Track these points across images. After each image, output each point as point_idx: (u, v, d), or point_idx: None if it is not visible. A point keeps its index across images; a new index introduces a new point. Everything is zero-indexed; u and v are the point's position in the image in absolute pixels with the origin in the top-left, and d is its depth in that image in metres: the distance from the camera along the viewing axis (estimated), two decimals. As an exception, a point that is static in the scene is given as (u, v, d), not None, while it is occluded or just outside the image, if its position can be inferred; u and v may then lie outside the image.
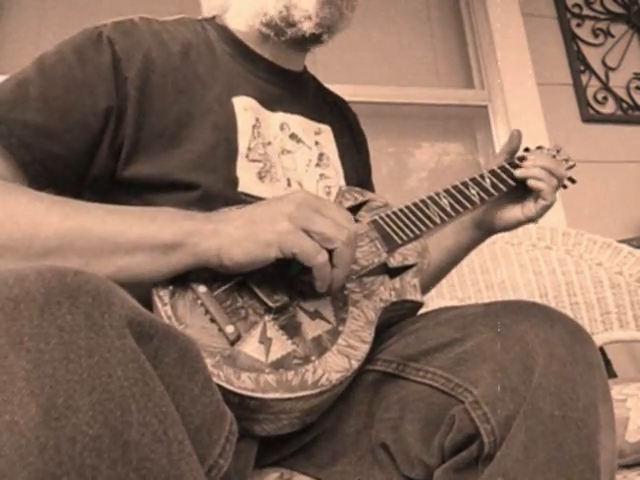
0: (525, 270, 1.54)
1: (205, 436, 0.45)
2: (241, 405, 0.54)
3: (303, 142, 0.84)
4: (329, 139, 0.89)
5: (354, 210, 0.77)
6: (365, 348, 0.62)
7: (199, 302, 0.60)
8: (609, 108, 2.19)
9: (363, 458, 0.63)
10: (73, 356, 0.36)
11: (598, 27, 2.28)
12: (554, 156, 0.93)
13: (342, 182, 0.85)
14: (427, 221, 0.77)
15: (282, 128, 0.82)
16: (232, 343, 0.57)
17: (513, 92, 2.10)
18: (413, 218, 0.77)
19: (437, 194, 0.81)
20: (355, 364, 0.60)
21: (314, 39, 0.81)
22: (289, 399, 0.55)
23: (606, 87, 2.20)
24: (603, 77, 2.22)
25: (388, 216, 0.76)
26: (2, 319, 0.36)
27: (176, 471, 0.38)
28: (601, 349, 1.50)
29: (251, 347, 0.58)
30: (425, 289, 0.95)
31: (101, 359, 0.37)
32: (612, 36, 2.28)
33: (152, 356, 0.41)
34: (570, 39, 2.23)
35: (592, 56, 2.23)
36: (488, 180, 0.85)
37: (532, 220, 0.87)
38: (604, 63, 2.24)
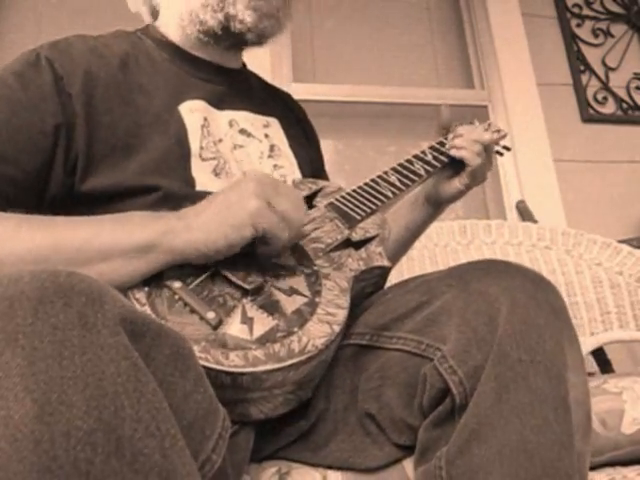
0: (525, 270, 1.54)
1: (198, 432, 0.45)
2: (234, 385, 0.55)
3: (253, 136, 0.86)
4: (278, 131, 0.91)
5: (310, 198, 0.81)
6: (343, 313, 0.64)
7: (176, 297, 0.61)
8: (609, 108, 2.19)
9: (354, 433, 0.65)
10: (67, 353, 0.37)
11: (598, 27, 2.28)
12: (486, 129, 0.99)
13: (296, 170, 0.88)
14: (380, 196, 0.82)
15: (231, 125, 0.84)
16: (215, 328, 0.58)
17: (513, 92, 2.10)
18: (367, 196, 0.82)
19: (385, 172, 0.87)
20: (337, 328, 0.62)
21: (253, 45, 0.85)
22: (280, 369, 0.56)
23: (606, 87, 2.20)
24: (603, 77, 2.22)
25: (343, 197, 0.81)
26: None
27: (169, 465, 0.38)
28: (601, 349, 1.51)
29: (235, 329, 0.59)
30: (394, 261, 1.00)
31: (94, 356, 0.37)
32: (612, 36, 2.28)
33: (145, 353, 0.42)
34: (570, 39, 2.23)
35: (592, 56, 2.23)
36: (430, 155, 0.93)
37: (470, 187, 0.93)
38: (604, 63, 2.24)
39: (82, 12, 1.95)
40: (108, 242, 0.61)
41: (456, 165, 0.94)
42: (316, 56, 2.11)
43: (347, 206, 0.79)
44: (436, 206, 0.97)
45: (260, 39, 0.83)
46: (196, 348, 0.54)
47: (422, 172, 0.89)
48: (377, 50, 2.19)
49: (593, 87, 2.20)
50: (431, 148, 0.94)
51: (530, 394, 0.52)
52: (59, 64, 0.73)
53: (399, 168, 0.88)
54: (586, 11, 2.30)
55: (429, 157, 0.92)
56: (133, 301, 0.60)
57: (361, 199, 0.81)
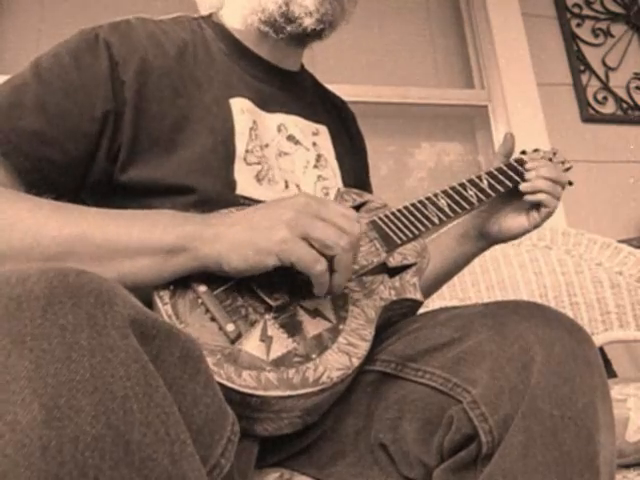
0: (525, 270, 1.54)
1: (207, 436, 0.45)
2: (242, 403, 0.54)
3: (301, 144, 0.84)
4: (326, 140, 0.88)
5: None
6: (366, 346, 0.62)
7: (199, 301, 0.60)
8: (609, 108, 2.19)
9: (362, 458, 0.63)
10: (75, 356, 0.36)
11: (598, 27, 2.28)
12: (550, 159, 0.94)
13: (340, 183, 0.85)
14: (426, 221, 0.78)
15: (279, 130, 0.82)
16: (233, 341, 0.57)
17: (513, 92, 2.10)
18: (412, 218, 0.77)
19: (435, 195, 0.81)
20: (356, 362, 0.60)
21: (314, 35, 0.80)
22: (290, 397, 0.55)
23: (606, 87, 2.20)
24: (603, 77, 2.22)
25: (387, 217, 0.77)
26: (4, 319, 0.36)
27: (178, 471, 0.38)
28: (601, 349, 1.50)
29: (252, 345, 0.58)
30: (427, 294, 0.95)
31: (103, 359, 0.37)
32: (612, 36, 2.28)
33: (154, 356, 0.41)
34: (570, 39, 2.23)
35: (592, 56, 2.23)
36: (485, 182, 0.85)
37: (536, 227, 0.88)
38: (604, 63, 2.24)
39: (83, 11, 1.94)
40: (135, 240, 0.59)
41: (511, 196, 0.87)
42: (316, 56, 2.10)
43: (389, 227, 0.76)
44: (492, 242, 0.91)
45: (321, 25, 0.78)
46: (210, 360, 0.53)
47: (474, 200, 0.82)
48: (377, 50, 2.19)
49: (593, 87, 2.20)
50: (488, 174, 0.86)
51: (557, 452, 0.51)
52: (116, 49, 0.72)
53: (450, 192, 0.82)
54: (586, 11, 2.30)
55: (485, 184, 0.85)
56: (156, 298, 0.59)
57: (405, 221, 0.77)
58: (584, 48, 2.24)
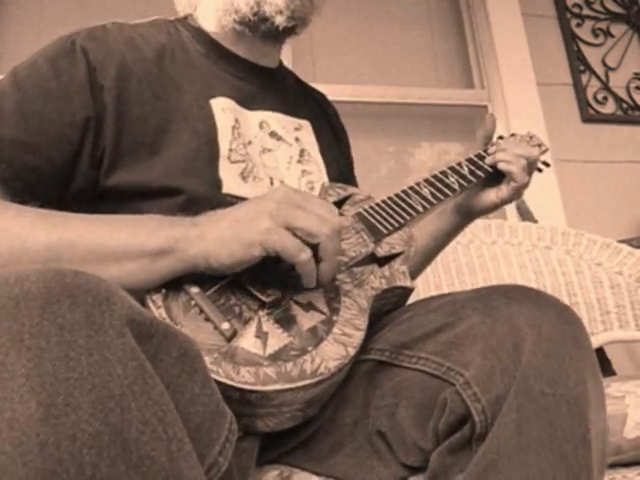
0: (525, 270, 1.54)
1: (205, 435, 0.45)
2: (242, 400, 0.54)
3: (283, 139, 0.84)
4: (309, 134, 0.89)
5: (338, 205, 0.79)
6: (360, 335, 0.63)
7: (192, 303, 0.60)
8: (609, 108, 2.19)
9: (361, 448, 0.64)
10: (73, 354, 0.36)
11: (598, 27, 2.28)
12: (527, 142, 0.96)
13: (324, 177, 0.86)
14: (410, 210, 0.79)
15: (261, 127, 0.83)
16: (229, 340, 0.57)
17: (513, 92, 2.10)
18: (396, 208, 0.79)
19: (418, 184, 0.83)
20: (352, 351, 0.61)
21: (288, 31, 0.81)
22: (290, 390, 0.55)
23: (606, 87, 2.20)
24: (603, 77, 2.22)
25: (372, 208, 0.78)
26: (3, 318, 0.37)
27: (175, 469, 0.38)
28: (601, 349, 1.50)
29: (248, 342, 0.58)
30: (413, 275, 0.97)
31: (101, 357, 0.37)
32: (612, 36, 2.28)
33: (152, 355, 0.41)
34: (570, 39, 2.23)
35: (592, 56, 2.23)
36: (466, 168, 0.87)
37: (506, 202, 0.89)
38: (604, 63, 2.24)
39: (83, 11, 1.94)
40: (122, 244, 0.60)
41: (492, 180, 0.89)
42: (316, 56, 2.10)
43: (375, 218, 0.77)
44: (466, 217, 0.93)
45: (292, 22, 0.79)
46: (207, 359, 0.53)
47: (456, 187, 0.84)
48: (377, 50, 2.19)
49: (593, 87, 2.20)
50: (468, 161, 0.89)
51: (550, 428, 0.52)
52: (94, 55, 0.72)
53: (432, 180, 0.84)
54: (586, 11, 2.30)
55: (465, 170, 0.87)
56: (149, 302, 0.59)
57: (390, 211, 0.78)
58: (584, 48, 2.24)
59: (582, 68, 2.21)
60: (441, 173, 0.86)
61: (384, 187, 2.08)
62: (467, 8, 2.31)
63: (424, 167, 2.18)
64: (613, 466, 0.93)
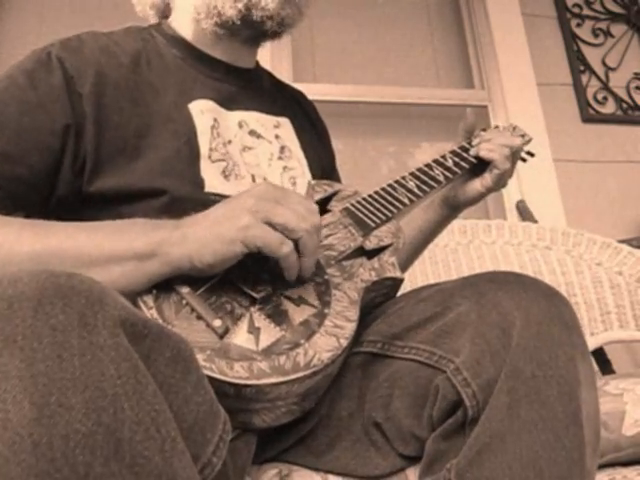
0: (525, 270, 1.54)
1: (198, 435, 0.45)
2: (238, 396, 0.55)
3: (263, 137, 0.85)
4: (289, 131, 0.90)
5: (325, 201, 0.80)
6: (352, 326, 0.63)
7: (184, 302, 0.60)
8: (609, 108, 2.19)
9: (358, 441, 0.64)
10: (66, 355, 0.36)
11: (598, 27, 2.28)
12: (511, 133, 0.96)
13: (306, 172, 0.87)
14: (397, 203, 0.80)
15: (241, 126, 0.83)
16: (221, 336, 0.58)
17: (513, 92, 2.10)
18: (383, 202, 0.80)
19: (403, 177, 0.84)
20: (344, 342, 0.61)
21: (272, 35, 0.83)
22: (284, 382, 0.56)
23: (606, 87, 2.20)
24: (603, 77, 2.21)
25: (359, 202, 0.79)
26: None
27: (169, 468, 0.38)
28: (601, 349, 1.50)
29: (241, 338, 0.58)
30: (402, 268, 0.98)
31: (94, 358, 0.37)
32: (612, 36, 2.28)
33: (145, 355, 0.41)
34: (570, 39, 2.23)
35: (592, 56, 2.23)
36: (450, 160, 0.88)
37: (491, 190, 0.90)
38: (604, 63, 2.23)
39: (84, 11, 1.95)
40: (106, 249, 0.60)
41: (477, 170, 0.90)
42: (316, 56, 2.11)
43: (362, 212, 0.78)
44: (452, 209, 0.94)
45: (280, 27, 0.81)
46: (200, 356, 0.54)
47: (441, 178, 0.86)
48: (377, 50, 2.19)
49: (593, 87, 2.19)
50: (452, 153, 0.90)
51: (542, 409, 0.52)
52: (70, 63, 0.73)
53: (418, 173, 0.85)
54: (586, 11, 2.30)
55: (449, 162, 0.88)
56: (140, 303, 0.60)
57: (377, 205, 0.79)
58: (584, 48, 2.24)
59: (582, 68, 2.21)
60: (426, 166, 0.87)
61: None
62: (467, 8, 2.30)
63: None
64: (613, 465, 0.93)
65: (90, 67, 0.74)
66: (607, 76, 2.22)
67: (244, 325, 0.60)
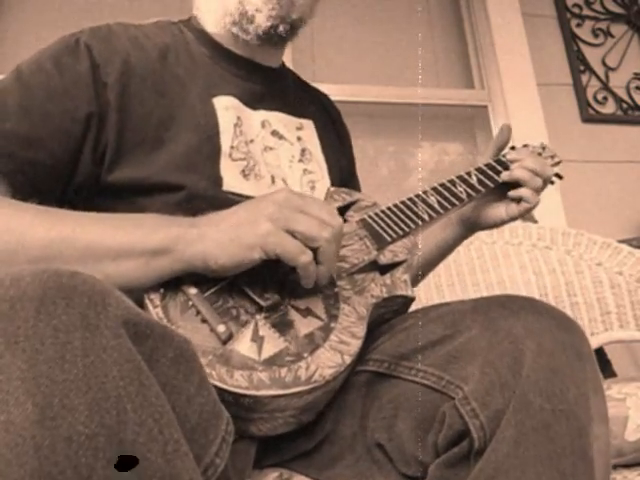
0: (525, 270, 1.53)
1: (201, 435, 0.45)
2: (236, 404, 0.54)
3: (285, 138, 0.84)
4: (311, 134, 0.89)
5: (343, 210, 0.78)
6: (357, 343, 0.62)
7: (190, 304, 0.60)
8: (609, 108, 2.19)
9: (361, 459, 0.63)
10: (69, 356, 0.36)
11: (598, 27, 2.28)
12: (540, 154, 0.94)
13: (326, 176, 0.86)
14: (416, 218, 0.78)
15: (263, 125, 0.83)
16: (224, 342, 0.57)
17: (513, 92, 2.10)
18: (402, 216, 0.78)
19: (425, 192, 0.81)
20: (348, 359, 0.60)
21: (276, 33, 0.80)
22: (283, 396, 0.55)
23: (606, 87, 2.20)
24: (603, 77, 2.21)
25: (377, 215, 0.77)
26: None
27: (172, 470, 0.38)
28: (601, 349, 1.50)
29: (243, 346, 0.58)
30: (413, 283, 0.96)
31: (97, 359, 0.37)
32: (612, 36, 2.28)
33: (148, 356, 0.41)
34: (570, 39, 2.23)
35: (592, 56, 2.23)
36: (475, 177, 0.86)
37: (514, 220, 0.88)
38: (604, 63, 2.24)
39: (83, 12, 1.94)
40: (119, 242, 0.59)
41: (501, 190, 0.86)
42: (316, 56, 2.10)
43: (379, 225, 0.76)
44: (470, 229, 0.92)
45: (273, 21, 0.79)
46: (202, 361, 0.53)
47: (464, 196, 0.82)
48: (377, 50, 2.19)
49: (593, 87, 2.19)
50: (478, 170, 0.87)
51: (550, 445, 0.51)
52: (97, 51, 0.73)
53: (440, 189, 0.82)
54: (586, 11, 2.30)
55: (474, 180, 0.85)
56: (147, 301, 0.59)
57: (395, 219, 0.77)
58: (584, 48, 2.24)
59: (582, 68, 2.21)
60: (449, 182, 0.84)
61: (384, 187, 2.08)
62: (467, 8, 2.30)
63: (424, 167, 2.18)
64: (614, 467, 0.93)
65: (117, 56, 0.73)
66: (607, 76, 2.22)
67: (248, 333, 0.59)
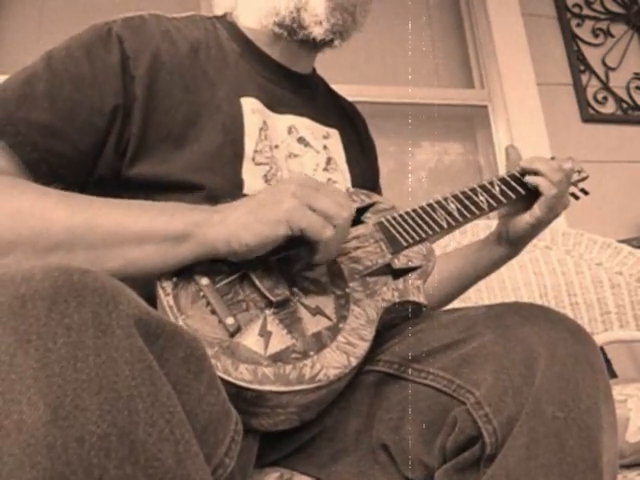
0: (525, 270, 1.54)
1: (211, 435, 0.45)
2: (238, 397, 0.54)
3: (311, 146, 0.83)
4: (337, 143, 0.88)
5: (361, 212, 0.77)
6: (365, 346, 0.62)
7: (201, 294, 0.60)
8: (609, 108, 2.19)
9: (363, 458, 0.63)
10: (80, 355, 0.36)
11: (598, 27, 2.28)
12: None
13: (349, 186, 0.85)
14: (434, 225, 0.77)
15: (290, 131, 0.82)
16: (232, 335, 0.57)
17: (513, 92, 2.10)
18: (419, 221, 0.77)
19: (445, 199, 0.80)
20: (354, 361, 0.60)
21: (324, 44, 0.81)
22: (286, 392, 0.55)
23: (606, 87, 2.21)
24: (603, 77, 2.22)
25: (394, 218, 0.76)
26: (9, 318, 0.36)
27: (183, 470, 0.38)
28: (601, 349, 1.50)
29: (250, 340, 0.58)
30: (444, 301, 0.95)
31: (108, 358, 0.37)
32: (612, 36, 2.28)
33: (158, 355, 0.41)
34: (570, 39, 2.23)
35: (592, 56, 2.24)
36: (497, 188, 0.84)
37: (540, 220, 0.84)
38: (604, 63, 2.24)
39: (83, 12, 1.94)
40: (143, 227, 0.59)
41: (528, 202, 0.85)
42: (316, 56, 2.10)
43: (396, 229, 0.75)
44: (510, 245, 0.89)
45: (330, 36, 0.79)
46: (208, 351, 0.53)
47: (485, 206, 0.81)
48: (377, 50, 2.19)
49: (593, 87, 2.20)
50: (501, 180, 0.85)
51: (560, 453, 0.51)
52: (129, 44, 0.72)
53: (461, 197, 0.81)
54: (586, 11, 2.30)
55: (496, 190, 0.83)
56: (159, 289, 0.59)
57: (412, 224, 0.76)
58: (584, 48, 2.24)
59: (582, 68, 2.21)
60: (471, 190, 0.82)
61: (384, 187, 2.08)
62: (467, 8, 2.30)
63: (424, 167, 2.18)
64: (615, 467, 0.93)
65: (147, 49, 0.73)
66: (607, 76, 2.22)
67: (256, 327, 0.59)
